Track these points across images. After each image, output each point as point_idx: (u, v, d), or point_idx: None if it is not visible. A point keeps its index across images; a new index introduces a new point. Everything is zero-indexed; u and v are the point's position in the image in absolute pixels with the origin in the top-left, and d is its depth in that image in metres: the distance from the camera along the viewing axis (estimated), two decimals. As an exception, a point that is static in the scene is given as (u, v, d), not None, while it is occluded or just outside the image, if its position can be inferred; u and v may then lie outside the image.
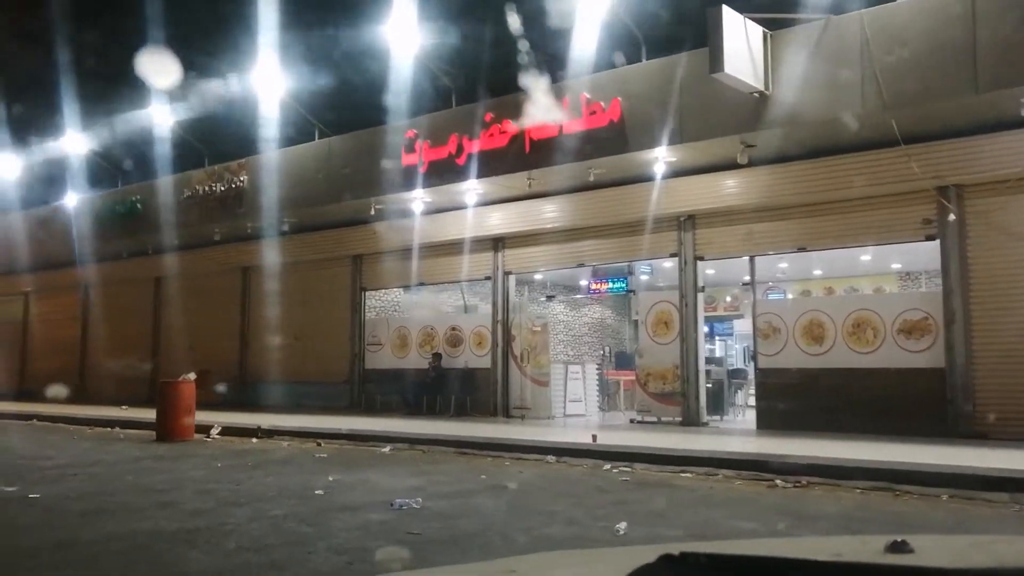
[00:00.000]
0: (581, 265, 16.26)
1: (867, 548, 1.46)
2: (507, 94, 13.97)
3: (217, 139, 19.39)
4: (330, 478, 8.17)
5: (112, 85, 19.79)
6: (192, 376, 12.70)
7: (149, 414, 13.41)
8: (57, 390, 21.03)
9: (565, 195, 14.75)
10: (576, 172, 13.62)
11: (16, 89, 21.07)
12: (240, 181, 18.25)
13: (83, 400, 21.92)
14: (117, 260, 22.35)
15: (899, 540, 1.38)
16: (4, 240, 24.94)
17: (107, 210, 21.55)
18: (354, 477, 8.41)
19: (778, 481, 8.16)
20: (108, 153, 21.69)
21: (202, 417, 13.10)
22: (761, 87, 11.27)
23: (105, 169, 21.96)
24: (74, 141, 21.28)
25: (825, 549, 1.56)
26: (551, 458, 9.95)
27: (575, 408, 16.29)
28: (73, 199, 22.64)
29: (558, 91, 13.20)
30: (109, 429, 14.76)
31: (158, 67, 16.34)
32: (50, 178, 23.12)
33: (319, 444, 11.92)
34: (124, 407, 17.53)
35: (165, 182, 19.86)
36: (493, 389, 16.00)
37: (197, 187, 19.09)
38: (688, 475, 8.73)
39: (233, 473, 8.77)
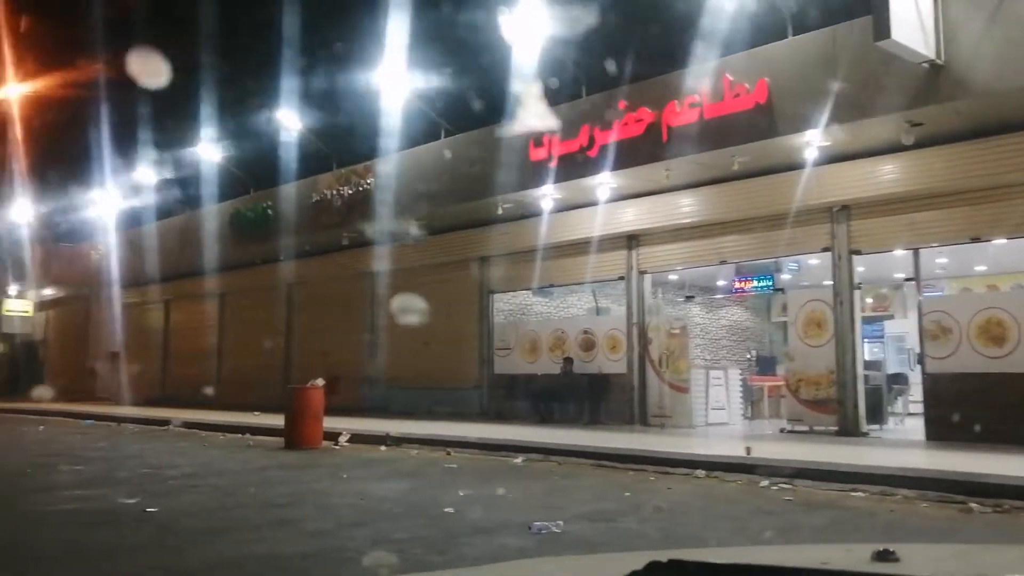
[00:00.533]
0: (723, 262, 15.13)
1: (853, 556, 1.47)
2: (642, 80, 13.10)
3: (344, 142, 19.31)
4: (460, 493, 7.52)
5: (240, 92, 20.03)
6: (320, 382, 12.39)
7: (279, 421, 13.22)
8: (197, 394, 21.51)
9: (705, 187, 13.72)
10: (718, 161, 12.60)
11: (150, 100, 21.65)
12: (367, 184, 18.04)
13: (219, 406, 22.34)
14: (250, 267, 22.69)
15: (885, 549, 1.42)
16: (146, 250, 25.81)
17: (240, 217, 21.88)
18: (486, 492, 7.75)
19: (973, 505, 6.98)
20: (238, 160, 22.05)
21: (331, 423, 12.80)
22: (932, 55, 9.99)
23: (236, 176, 22.33)
24: (207, 149, 21.70)
25: (812, 557, 1.56)
26: (700, 473, 9.00)
27: (718, 416, 15.18)
28: (207, 207, 23.13)
29: (698, 74, 12.23)
30: (240, 435, 14.71)
31: (284, 72, 16.32)
32: (184, 187, 23.72)
33: (448, 453, 11.35)
34: (256, 413, 17.58)
35: (294, 187, 19.94)
36: (629, 396, 15.10)
37: (325, 191, 19.04)
38: (860, 495, 7.64)
39: (359, 485, 8.26)
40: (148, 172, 24.30)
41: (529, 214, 16.04)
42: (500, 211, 15.66)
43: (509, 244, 17.04)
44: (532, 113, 14.05)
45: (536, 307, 19.03)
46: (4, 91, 28.52)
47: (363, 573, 4.68)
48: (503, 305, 18.37)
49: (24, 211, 31.43)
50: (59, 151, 28.13)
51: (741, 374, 16.82)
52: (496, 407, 17.35)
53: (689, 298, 19.81)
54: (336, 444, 12.47)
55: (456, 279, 18.61)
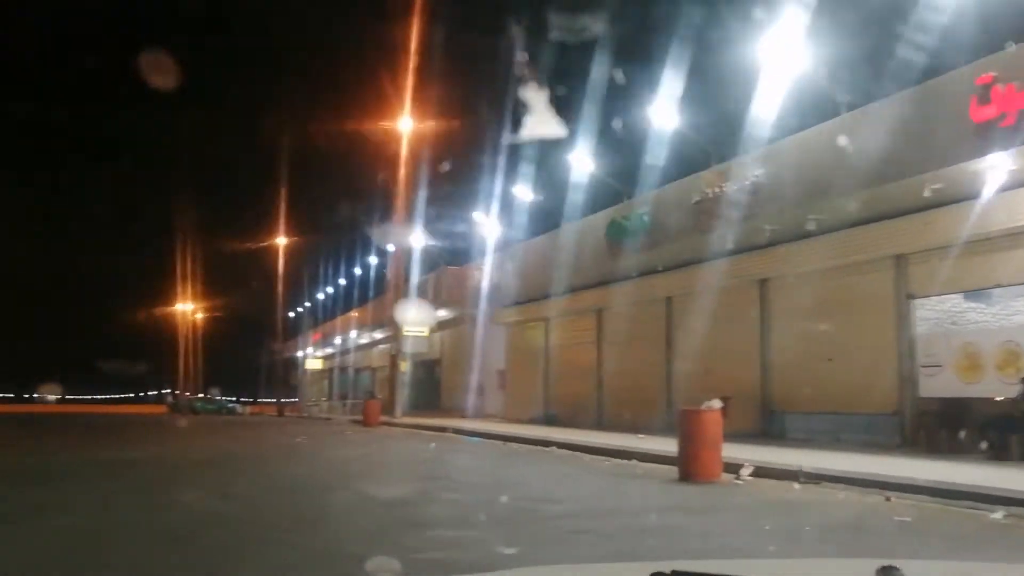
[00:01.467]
0: None
1: (857, 573, 1.45)
2: None
3: (722, 135, 17.38)
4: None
5: (610, 93, 18.93)
6: (718, 404, 10.49)
7: (666, 445, 11.69)
8: (577, 413, 20.76)
9: None
10: None
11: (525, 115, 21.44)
12: (754, 176, 15.87)
13: (599, 426, 21.42)
14: (627, 280, 21.50)
15: (889, 565, 1.41)
16: (526, 268, 25.91)
17: (615, 227, 20.78)
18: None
19: None
20: (610, 167, 21.03)
21: (726, 452, 10.82)
22: None
23: (609, 185, 21.34)
24: (579, 159, 20.94)
25: (816, 573, 1.65)
26: None
27: None
28: (582, 220, 22.41)
29: None
30: (625, 461, 13.26)
31: (651, 68, 14.82)
32: (559, 201, 23.24)
33: (888, 500, 8.81)
34: (640, 435, 16.15)
35: (671, 189, 18.36)
36: None
37: (706, 190, 17.18)
38: None
39: (789, 544, 6.22)
40: (524, 189, 24.30)
41: (963, 197, 12.84)
42: (927, 194, 12.68)
43: (935, 236, 13.93)
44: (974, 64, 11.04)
45: (970, 314, 15.42)
46: (399, 124, 30.65)
47: None
48: (927, 313, 15.09)
49: (418, 235, 33.53)
50: (443, 175, 29.53)
51: None
52: (925, 437, 14.15)
53: None
54: (737, 478, 10.46)
55: (864, 283, 15.77)
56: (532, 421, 25.36)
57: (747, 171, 15.98)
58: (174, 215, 77.21)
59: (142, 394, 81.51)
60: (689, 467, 10.27)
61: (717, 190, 16.80)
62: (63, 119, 74.69)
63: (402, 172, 32.03)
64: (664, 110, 17.48)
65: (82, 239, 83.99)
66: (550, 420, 24.83)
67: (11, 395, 75.92)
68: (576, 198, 22.56)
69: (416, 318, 34.56)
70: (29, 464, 12.23)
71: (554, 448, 15.73)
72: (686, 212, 17.79)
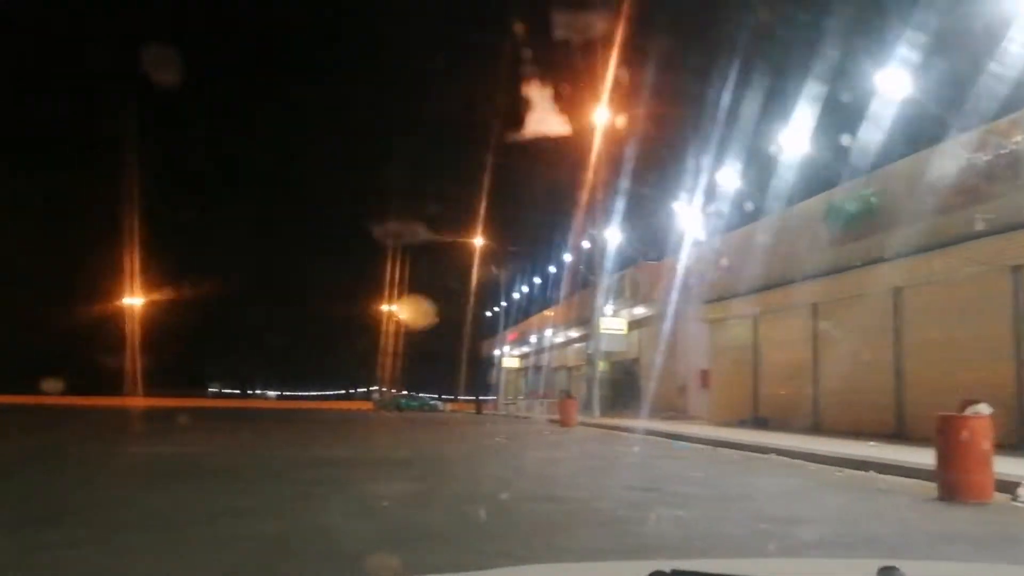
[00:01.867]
0: None
1: (857, 573, 1.50)
2: None
3: (961, 98, 15.16)
4: None
5: (829, 55, 17.11)
6: (986, 410, 8.76)
7: (907, 454, 10.06)
8: (790, 416, 18.97)
9: None
10: None
11: (730, 95, 19.97)
12: (1014, 144, 13.64)
13: (817, 431, 19.53)
14: (847, 270, 19.46)
15: (889, 566, 1.40)
16: (731, 261, 24.29)
17: (836, 212, 18.83)
18: None
19: None
20: (828, 144, 19.11)
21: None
22: None
23: (827, 165, 19.40)
24: (793, 138, 19.19)
25: (816, 572, 1.63)
26: None
27: None
28: (794, 207, 20.59)
29: None
30: (861, 472, 11.63)
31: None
32: (767, 187, 21.52)
33: None
34: (871, 443, 14.34)
35: (904, 165, 16.29)
36: None
37: (948, 162, 15.04)
38: None
39: None
40: (729, 175, 22.72)
41: None
42: None
43: None
44: None
45: None
46: (596, 115, 29.80)
47: None
48: None
49: (613, 230, 32.55)
50: (641, 167, 28.33)
51: None
52: None
53: None
54: (1014, 499, 8.70)
55: None
56: (740, 424, 23.69)
57: (1005, 137, 13.77)
58: (378, 216, 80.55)
59: (351, 391, 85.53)
60: (952, 484, 8.62)
61: (962, 163, 14.62)
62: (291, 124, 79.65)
63: (597, 166, 31.14)
64: (891, 78, 15.54)
65: (290, 242, 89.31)
66: (759, 423, 23.08)
67: (237, 391, 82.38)
68: (787, 183, 20.83)
69: (614, 315, 33.63)
70: (244, 462, 12.30)
71: (772, 455, 14.22)
72: (922, 189, 15.69)
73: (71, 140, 71.41)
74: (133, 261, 58.37)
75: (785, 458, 13.92)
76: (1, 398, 48.20)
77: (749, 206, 24.46)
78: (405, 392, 59.49)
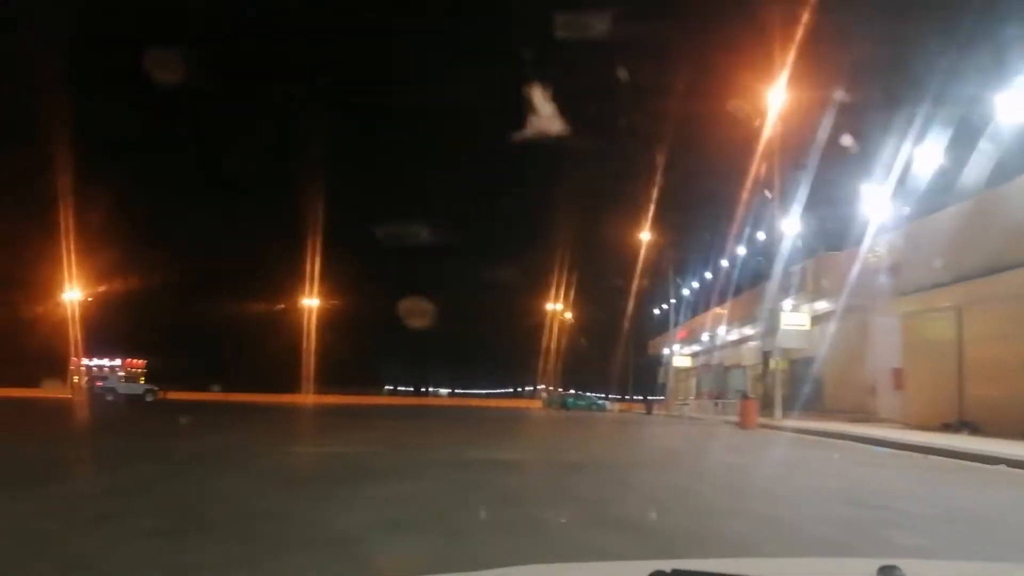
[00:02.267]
0: None
1: (858, 572, 1.47)
2: None
3: None
4: None
5: None
6: None
7: None
8: (1005, 419, 16.82)
9: None
10: None
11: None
12: None
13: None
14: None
15: (890, 565, 1.41)
16: (928, 248, 22.09)
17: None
18: None
19: None
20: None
21: None
22: None
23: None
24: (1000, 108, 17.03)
25: (817, 571, 1.62)
26: None
27: None
28: (1008, 184, 18.31)
29: None
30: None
31: None
32: (977, 162, 19.29)
33: None
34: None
35: None
36: None
37: None
38: None
39: None
40: (926, 153, 20.57)
41: None
42: None
43: None
44: None
45: None
46: (769, 99, 28.06)
47: None
48: None
49: (792, 220, 30.59)
50: (822, 151, 26.32)
51: None
52: None
53: None
54: None
55: None
56: (944, 428, 21.45)
57: None
58: (545, 214, 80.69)
59: (518, 389, 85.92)
60: None
61: None
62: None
63: (773, 151, 29.31)
64: None
65: (458, 245, 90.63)
66: (967, 427, 20.78)
67: (411, 388, 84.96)
68: (991, 158, 18.60)
69: (794, 310, 31.66)
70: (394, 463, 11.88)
71: (1002, 466, 12.40)
72: None
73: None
74: (314, 265, 61.03)
75: (1020, 470, 12.09)
76: (183, 395, 51.57)
77: (946, 188, 22.17)
78: (572, 391, 58.92)
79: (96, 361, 64.75)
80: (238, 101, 78.69)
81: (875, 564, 1.40)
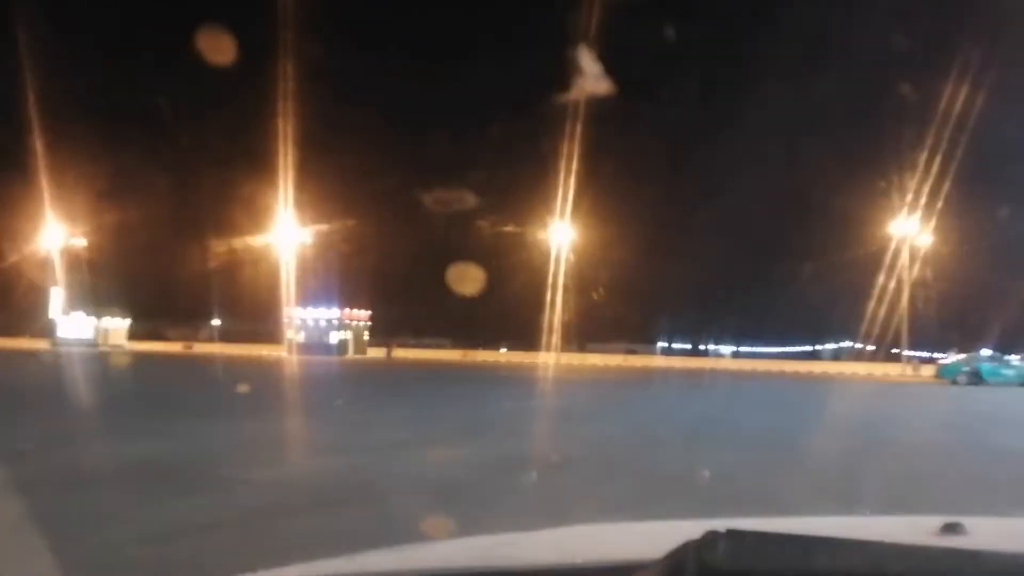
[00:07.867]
0: None
1: (920, 529, 1.42)
2: None
3: None
4: None
5: None
6: None
7: None
8: None
9: None
10: None
11: None
12: None
13: None
14: None
15: (953, 522, 1.35)
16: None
17: None
18: None
19: None
20: None
21: None
22: None
23: None
24: None
25: (877, 530, 1.51)
26: None
27: None
28: None
29: None
30: None
31: None
32: None
33: None
34: None
35: None
36: None
37: None
38: None
39: None
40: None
41: None
42: None
43: None
44: None
45: None
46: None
47: None
48: None
49: None
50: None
51: None
52: None
53: None
54: None
55: None
56: None
57: None
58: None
59: (816, 347, 66.50)
60: None
61: None
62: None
63: None
64: None
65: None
66: None
67: (688, 347, 70.55)
68: None
69: None
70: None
71: None
72: None
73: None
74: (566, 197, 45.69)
75: None
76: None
77: None
78: (990, 353, 34.55)
79: (310, 312, 54.15)
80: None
81: (939, 521, 1.34)
